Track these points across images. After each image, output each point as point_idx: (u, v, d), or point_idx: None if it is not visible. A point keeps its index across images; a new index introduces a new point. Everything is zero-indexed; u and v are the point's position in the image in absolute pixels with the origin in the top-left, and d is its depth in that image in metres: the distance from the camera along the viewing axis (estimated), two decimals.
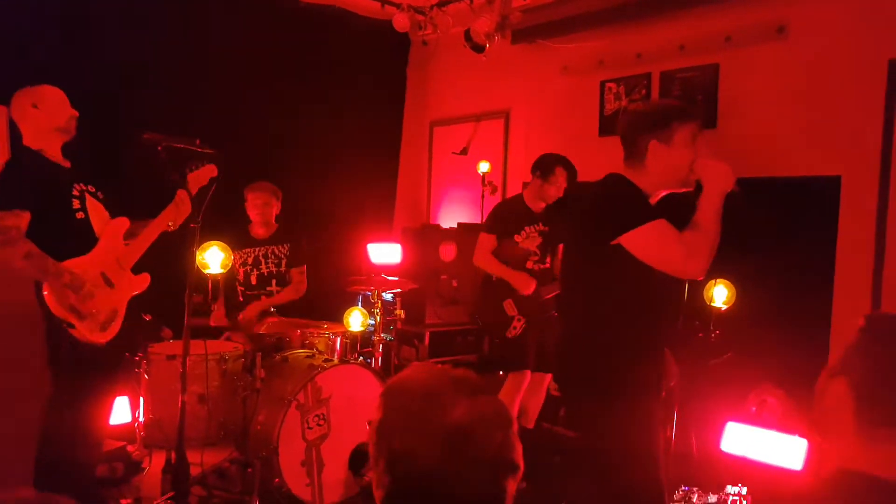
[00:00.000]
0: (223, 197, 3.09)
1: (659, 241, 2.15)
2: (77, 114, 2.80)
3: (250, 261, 4.01)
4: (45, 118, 2.74)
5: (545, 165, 3.82)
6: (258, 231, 4.05)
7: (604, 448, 2.25)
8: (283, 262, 4.06)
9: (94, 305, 2.60)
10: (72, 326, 2.54)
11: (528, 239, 3.85)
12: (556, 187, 3.79)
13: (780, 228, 3.64)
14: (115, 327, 2.69)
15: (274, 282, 4.02)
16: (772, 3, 3.80)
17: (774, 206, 3.73)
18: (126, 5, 4.28)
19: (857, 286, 3.45)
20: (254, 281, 4.00)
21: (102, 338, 2.63)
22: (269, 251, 4.05)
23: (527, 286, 3.75)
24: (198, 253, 2.86)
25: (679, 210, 2.29)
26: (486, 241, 3.92)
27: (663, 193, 2.33)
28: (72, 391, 2.59)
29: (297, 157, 5.04)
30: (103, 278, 2.68)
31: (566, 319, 2.50)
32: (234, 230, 3.96)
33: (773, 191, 3.76)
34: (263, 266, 4.02)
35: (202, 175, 2.95)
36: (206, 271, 3.05)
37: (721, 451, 3.06)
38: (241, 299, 3.97)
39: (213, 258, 3.01)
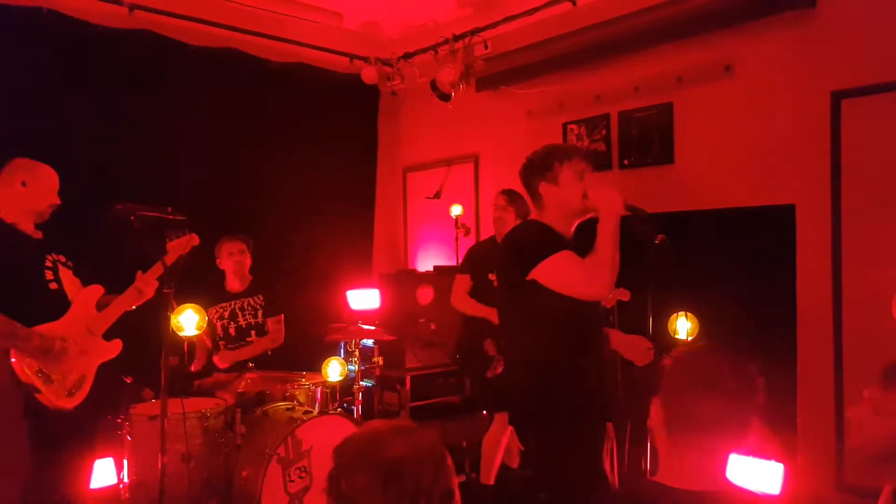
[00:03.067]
0: (198, 254, 3.19)
1: (562, 272, 2.34)
2: (59, 203, 2.87)
3: (227, 314, 4.07)
4: (29, 199, 2.81)
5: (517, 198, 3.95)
6: (233, 285, 4.11)
7: (550, 480, 2.37)
8: (260, 313, 4.13)
9: (63, 370, 2.65)
10: (38, 391, 2.58)
11: None
12: (499, 208, 3.92)
13: (740, 258, 3.78)
14: (83, 393, 2.74)
15: (253, 333, 4.08)
16: (719, 43, 3.99)
17: (733, 237, 3.89)
18: (95, 74, 4.38)
19: (819, 310, 3.57)
20: (233, 333, 4.06)
21: (69, 403, 2.68)
22: (245, 303, 4.12)
23: None
24: (172, 316, 2.93)
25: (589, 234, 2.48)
26: (462, 282, 4.05)
27: (575, 225, 2.51)
28: (46, 459, 2.63)
29: (274, 211, 5.14)
30: (73, 344, 2.74)
31: (505, 354, 2.64)
32: (209, 286, 4.04)
33: (732, 222, 3.92)
34: (241, 318, 4.08)
35: (184, 243, 3.03)
36: (182, 334, 3.12)
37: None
38: (215, 358, 3.98)
39: (188, 321, 3.09)
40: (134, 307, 2.96)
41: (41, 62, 4.15)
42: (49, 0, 4.20)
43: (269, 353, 4.05)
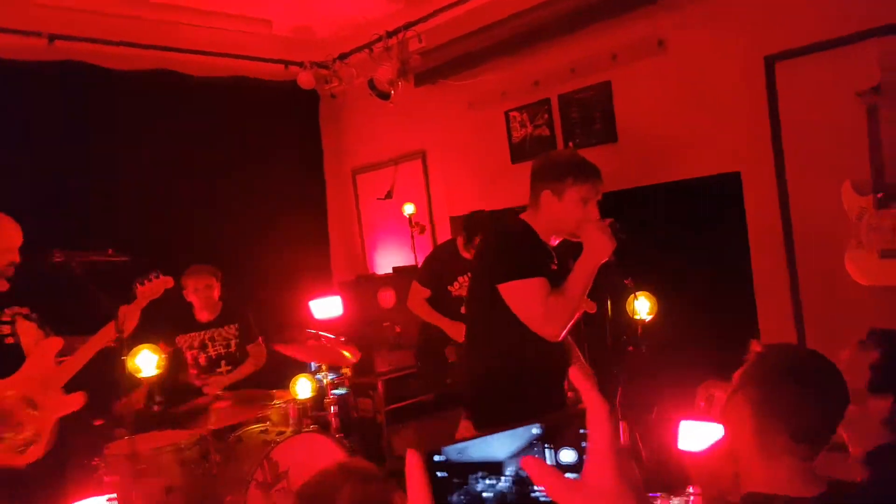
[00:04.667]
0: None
1: (525, 299, 2.28)
2: (18, 261, 2.75)
3: (196, 344, 3.99)
4: None
5: (467, 229, 3.90)
6: (202, 315, 4.03)
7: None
8: (234, 343, 4.06)
9: (11, 428, 2.56)
10: None
11: (462, 288, 3.92)
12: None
13: (691, 230, 3.84)
14: (39, 450, 2.64)
15: (223, 363, 3.99)
16: (649, 19, 4.03)
17: (683, 210, 3.95)
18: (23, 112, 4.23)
19: (774, 274, 3.65)
20: (203, 363, 3.98)
21: (22, 461, 2.58)
22: (216, 333, 4.04)
23: (461, 335, 3.82)
24: (128, 359, 2.85)
25: (570, 253, 2.43)
26: (419, 291, 4.01)
27: (558, 240, 2.47)
28: None
29: (228, 230, 5.04)
30: (25, 401, 2.64)
31: (466, 351, 2.62)
32: (176, 314, 3.94)
33: (679, 195, 3.98)
34: (210, 349, 3.99)
35: (155, 288, 2.94)
36: (140, 375, 3.03)
37: (671, 453, 3.18)
38: (198, 383, 3.91)
39: (145, 362, 3.00)
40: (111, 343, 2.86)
41: None
42: None
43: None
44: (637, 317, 3.55)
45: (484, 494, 0.63)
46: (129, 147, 4.60)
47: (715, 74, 3.82)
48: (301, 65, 5.38)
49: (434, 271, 4.03)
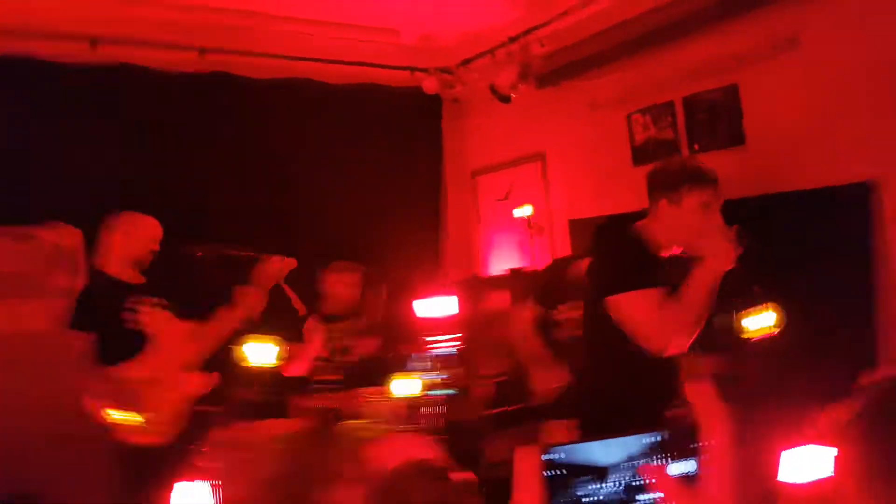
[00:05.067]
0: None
1: (636, 311, 2.19)
2: (157, 251, 3.08)
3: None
4: (128, 248, 3.03)
5: None
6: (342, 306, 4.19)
7: None
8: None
9: (149, 409, 2.83)
10: (131, 431, 2.75)
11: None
12: None
13: (820, 242, 3.55)
14: (174, 429, 2.88)
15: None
16: (780, 15, 3.76)
17: (813, 220, 3.65)
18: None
19: None
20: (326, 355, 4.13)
21: (160, 439, 2.84)
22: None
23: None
24: (237, 347, 3.07)
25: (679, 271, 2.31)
26: (525, 311, 3.92)
27: (676, 251, 2.37)
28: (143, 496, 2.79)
29: (346, 230, 5.27)
30: (154, 383, 2.91)
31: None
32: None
33: (811, 204, 3.68)
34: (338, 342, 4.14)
35: (279, 269, 3.15)
36: (248, 363, 3.21)
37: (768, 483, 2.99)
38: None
39: (255, 352, 3.20)
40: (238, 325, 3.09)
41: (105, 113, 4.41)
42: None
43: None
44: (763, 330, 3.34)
45: (584, 500, 0.63)
46: (264, 150, 4.98)
47: (852, 74, 3.50)
48: (426, 71, 5.54)
49: (546, 286, 3.95)
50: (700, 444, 0.59)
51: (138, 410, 2.81)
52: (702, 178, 2.29)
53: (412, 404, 3.78)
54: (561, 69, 4.98)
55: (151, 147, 4.57)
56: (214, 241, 3.38)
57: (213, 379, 3.07)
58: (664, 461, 0.63)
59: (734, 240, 2.18)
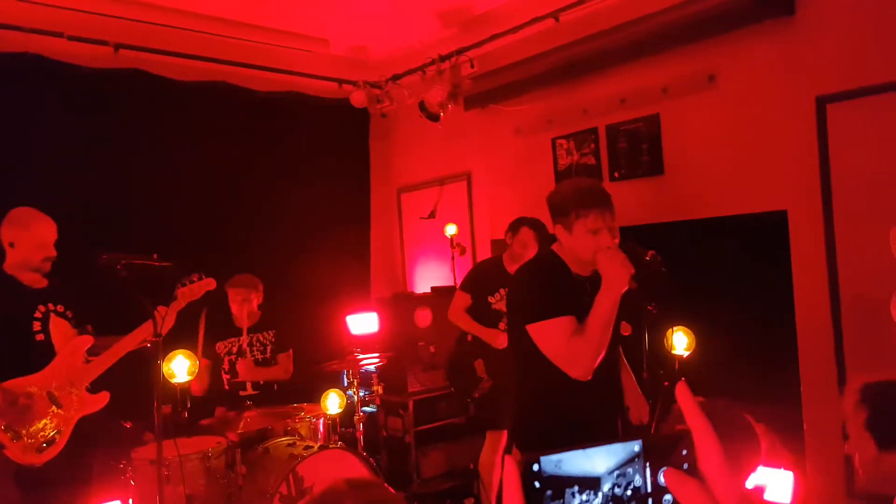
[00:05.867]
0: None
1: (549, 341, 2.25)
2: (55, 255, 2.87)
3: (234, 350, 4.08)
4: (20, 256, 2.82)
5: (512, 225, 3.97)
6: (241, 322, 4.09)
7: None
8: (269, 349, 4.13)
9: (33, 424, 2.62)
10: (3, 447, 2.55)
11: (502, 301, 3.95)
12: (521, 244, 3.91)
13: (735, 267, 3.77)
14: (57, 448, 2.69)
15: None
16: (701, 54, 3.99)
17: (726, 246, 3.88)
18: (85, 116, 4.41)
19: (818, 316, 3.55)
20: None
21: (38, 459, 2.63)
22: (254, 339, 4.12)
23: (498, 341, 3.82)
24: (164, 364, 2.93)
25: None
26: (461, 299, 4.06)
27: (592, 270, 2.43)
28: None
29: (273, 240, 5.16)
30: (49, 397, 2.71)
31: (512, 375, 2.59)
32: (216, 320, 4.03)
33: (724, 231, 3.91)
34: (248, 355, 4.07)
35: (196, 289, 3.00)
36: (174, 381, 3.11)
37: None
38: (227, 388, 4.01)
39: (179, 367, 3.08)
40: (144, 344, 2.93)
41: (29, 107, 4.17)
42: (34, 45, 4.23)
43: (275, 386, 4.06)
44: (674, 351, 3.50)
45: None
46: (181, 155, 4.73)
47: (765, 112, 3.76)
48: (355, 84, 5.50)
49: (477, 279, 4.08)
50: (687, 449, 0.60)
51: (28, 428, 2.60)
52: (588, 203, 2.30)
53: (342, 420, 3.70)
54: (489, 92, 5.07)
55: (68, 148, 4.30)
56: (132, 250, 3.17)
57: (105, 398, 2.89)
58: (654, 467, 0.63)
59: (625, 260, 2.24)
